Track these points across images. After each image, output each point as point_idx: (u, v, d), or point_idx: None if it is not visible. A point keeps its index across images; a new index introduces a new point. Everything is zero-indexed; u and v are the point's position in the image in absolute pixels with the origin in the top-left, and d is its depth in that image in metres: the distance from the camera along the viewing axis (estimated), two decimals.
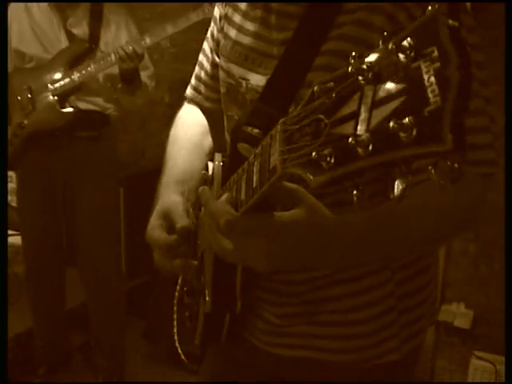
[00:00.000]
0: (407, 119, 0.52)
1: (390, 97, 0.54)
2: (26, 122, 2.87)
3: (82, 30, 2.87)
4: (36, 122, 2.87)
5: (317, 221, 0.85)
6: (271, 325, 1.22)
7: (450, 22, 0.52)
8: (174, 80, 3.42)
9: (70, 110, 2.84)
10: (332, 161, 0.59)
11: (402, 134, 0.52)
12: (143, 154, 4.18)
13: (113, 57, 2.74)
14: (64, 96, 2.84)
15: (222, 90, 1.27)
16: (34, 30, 2.86)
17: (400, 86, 0.53)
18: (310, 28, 1.07)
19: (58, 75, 2.82)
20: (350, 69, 0.59)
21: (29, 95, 2.86)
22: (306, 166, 0.64)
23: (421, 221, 0.96)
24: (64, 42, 2.86)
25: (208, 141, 1.47)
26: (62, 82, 2.81)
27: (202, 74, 1.43)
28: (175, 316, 1.27)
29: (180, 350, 1.26)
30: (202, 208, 1.11)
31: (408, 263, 1.18)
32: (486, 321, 3.04)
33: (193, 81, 1.48)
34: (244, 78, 1.18)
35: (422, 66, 0.52)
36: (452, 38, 0.51)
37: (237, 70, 1.20)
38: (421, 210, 0.94)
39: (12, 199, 4.02)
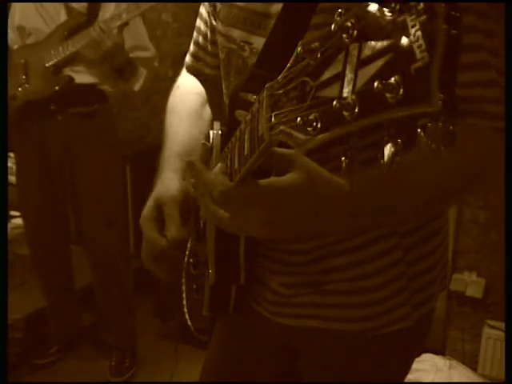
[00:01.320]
0: (393, 78, 0.48)
1: (376, 55, 0.51)
2: (17, 93, 2.85)
3: (81, 4, 2.84)
4: (27, 93, 2.85)
5: (314, 184, 0.83)
6: (279, 295, 1.21)
7: None
8: (177, 55, 3.39)
9: (61, 79, 2.81)
10: (318, 126, 0.57)
11: (388, 95, 0.49)
12: (148, 131, 4.16)
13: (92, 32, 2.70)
14: (58, 67, 2.81)
15: (221, 55, 1.24)
16: (35, 5, 2.85)
17: (385, 43, 0.50)
18: None
19: (53, 47, 2.79)
20: (333, 27, 0.56)
21: (24, 68, 2.85)
22: (292, 133, 0.62)
23: (423, 178, 0.91)
24: (63, 17, 2.84)
25: (207, 110, 1.44)
26: (56, 53, 2.79)
27: (200, 40, 1.39)
28: (184, 288, 1.26)
29: (189, 322, 1.25)
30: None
31: (416, 228, 1.15)
32: (498, 289, 3.02)
33: (191, 47, 1.44)
34: (246, 42, 1.14)
35: (408, 20, 0.48)
36: None
37: (238, 34, 1.15)
38: (421, 167, 0.88)
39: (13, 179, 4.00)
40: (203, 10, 1.35)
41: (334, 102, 0.54)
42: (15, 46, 2.93)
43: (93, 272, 3.20)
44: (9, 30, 2.95)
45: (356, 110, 0.52)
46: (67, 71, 2.83)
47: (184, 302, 1.26)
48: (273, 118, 0.67)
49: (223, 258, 1.12)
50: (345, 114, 0.53)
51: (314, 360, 1.27)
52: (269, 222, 0.85)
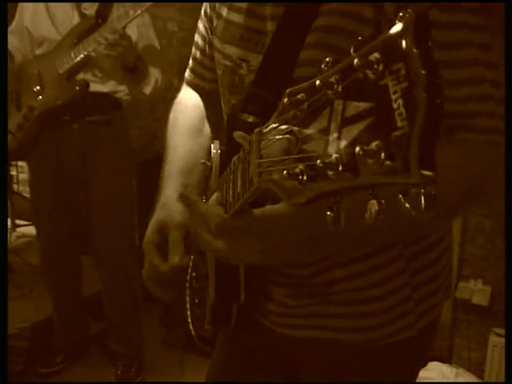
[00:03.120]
0: (374, 144, 0.48)
1: (359, 116, 0.51)
2: (35, 104, 2.86)
3: (94, 10, 2.83)
4: (45, 102, 2.85)
5: (302, 214, 0.85)
6: (283, 306, 1.21)
7: (419, 37, 0.47)
8: (182, 64, 3.39)
9: (76, 86, 2.81)
10: (304, 179, 0.57)
11: (369, 160, 0.48)
12: (154, 139, 4.16)
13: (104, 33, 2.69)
14: (71, 73, 2.81)
15: (218, 71, 1.24)
16: (48, 13, 2.85)
17: (368, 105, 0.50)
18: (301, 3, 1.03)
19: (65, 53, 2.79)
20: (317, 82, 0.56)
21: (39, 79, 2.85)
22: (279, 183, 0.63)
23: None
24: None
25: (207, 125, 1.44)
26: (68, 59, 2.78)
27: (198, 55, 1.39)
28: (187, 299, 1.27)
29: (194, 333, 1.25)
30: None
31: (419, 237, 1.15)
32: (504, 297, 3.01)
33: (190, 62, 1.45)
34: (243, 60, 1.14)
35: (390, 85, 0.47)
36: (422, 55, 0.47)
37: (234, 51, 1.16)
38: None
39: (23, 189, 4.03)
40: (201, 24, 1.35)
41: (318, 161, 0.54)
42: (30, 56, 2.94)
43: (102, 281, 3.21)
44: (17, 36, 2.96)
45: (340, 169, 0.52)
46: (81, 76, 2.84)
47: (188, 313, 1.26)
48: (261, 165, 0.68)
49: (223, 278, 1.13)
50: (328, 172, 0.53)
51: (319, 370, 1.26)
52: (265, 251, 0.88)
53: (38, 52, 2.92)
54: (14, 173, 4.50)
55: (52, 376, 3.22)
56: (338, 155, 0.52)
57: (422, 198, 0.48)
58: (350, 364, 1.22)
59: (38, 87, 2.85)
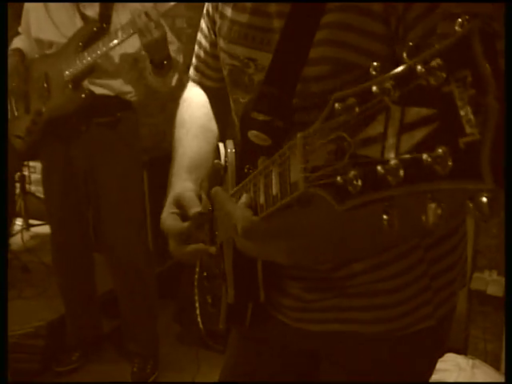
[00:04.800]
0: (440, 149, 0.48)
1: (420, 122, 0.51)
2: (43, 109, 2.87)
3: (94, 10, 2.82)
4: (52, 108, 2.86)
5: (336, 218, 0.84)
6: (300, 300, 1.21)
7: (488, 41, 0.47)
8: (191, 61, 3.38)
9: (82, 94, 2.80)
10: (359, 184, 0.57)
11: (436, 166, 0.49)
12: (164, 137, 4.17)
13: (119, 33, 2.64)
14: (77, 80, 2.80)
15: (225, 71, 1.24)
16: (50, 17, 2.85)
17: (430, 112, 0.50)
18: None
19: (71, 59, 2.78)
20: (374, 89, 0.56)
21: (45, 82, 2.85)
22: (330, 188, 0.63)
23: None
24: (79, 25, 2.83)
25: (214, 122, 1.45)
26: (74, 66, 2.77)
27: (202, 53, 1.39)
28: (197, 298, 1.27)
29: (204, 332, 1.26)
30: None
31: None
32: None
33: (193, 60, 1.45)
34: (250, 59, 1.14)
35: (455, 92, 0.47)
36: (490, 62, 0.46)
37: (241, 51, 1.16)
38: None
39: (37, 189, 4.05)
40: (203, 24, 1.35)
41: (379, 167, 0.54)
42: (36, 56, 2.95)
43: (115, 279, 3.22)
44: (26, 40, 2.97)
45: (401, 175, 0.52)
46: (86, 84, 2.83)
47: (197, 312, 1.26)
48: (307, 170, 0.68)
49: (242, 278, 1.14)
50: (389, 178, 0.53)
51: (338, 363, 1.26)
52: (291, 252, 0.88)
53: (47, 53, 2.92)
54: (26, 173, 4.53)
55: (68, 374, 3.24)
56: (397, 161, 0.52)
57: (490, 203, 0.48)
58: (371, 356, 1.22)
59: (46, 91, 2.86)
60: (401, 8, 0.92)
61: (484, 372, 2.81)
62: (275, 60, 1.06)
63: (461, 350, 3.04)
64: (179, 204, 1.21)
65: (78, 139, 2.92)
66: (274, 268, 1.17)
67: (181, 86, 3.59)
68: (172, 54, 2.81)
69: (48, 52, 2.90)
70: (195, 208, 1.16)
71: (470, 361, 2.85)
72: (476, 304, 3.13)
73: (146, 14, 2.51)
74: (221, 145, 1.22)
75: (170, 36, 2.92)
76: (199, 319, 1.26)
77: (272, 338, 1.32)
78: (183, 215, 1.20)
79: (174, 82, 2.87)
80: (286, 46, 1.05)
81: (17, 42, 3.01)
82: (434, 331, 1.21)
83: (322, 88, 1.02)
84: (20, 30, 3.03)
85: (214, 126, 1.43)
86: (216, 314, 1.19)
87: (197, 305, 1.27)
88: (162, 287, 3.36)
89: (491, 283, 3.02)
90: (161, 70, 2.77)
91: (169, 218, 1.21)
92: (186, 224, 1.17)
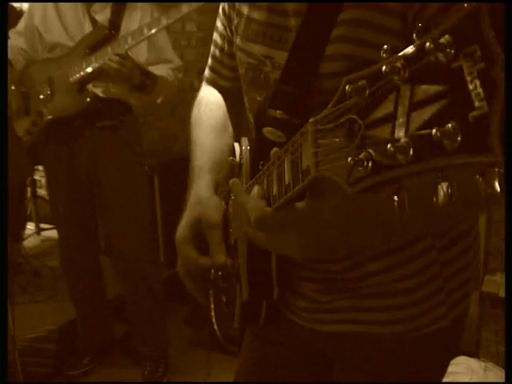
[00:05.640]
0: (450, 125, 0.48)
1: (430, 99, 0.51)
2: (44, 110, 2.88)
3: (105, 16, 2.84)
4: (54, 110, 2.87)
5: (346, 208, 0.86)
6: (313, 301, 1.21)
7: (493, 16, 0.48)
8: (202, 65, 3.39)
9: (87, 97, 2.82)
10: (370, 165, 0.57)
11: (445, 141, 0.49)
12: (175, 141, 4.18)
13: (129, 39, 2.67)
14: (82, 83, 2.81)
15: (241, 70, 1.24)
16: (60, 19, 2.86)
17: (440, 88, 0.50)
18: None
19: (77, 62, 2.80)
20: (383, 68, 0.56)
21: (48, 84, 2.87)
22: (340, 171, 0.63)
23: None
24: (88, 30, 2.85)
25: (230, 122, 1.44)
26: (80, 69, 2.79)
27: (217, 53, 1.39)
28: (212, 299, 1.27)
29: (219, 333, 1.26)
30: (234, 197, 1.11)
31: (449, 229, 1.15)
32: None
33: (209, 60, 1.45)
34: (268, 57, 1.14)
35: (464, 67, 0.48)
36: (497, 35, 0.47)
37: (258, 49, 1.16)
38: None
39: (47, 193, 4.06)
40: (219, 23, 1.35)
41: (389, 145, 0.54)
42: (40, 58, 2.95)
43: (123, 282, 3.22)
44: (27, 37, 2.97)
45: (411, 153, 0.52)
46: (90, 87, 2.84)
47: (212, 313, 1.26)
48: (318, 154, 0.68)
49: (256, 275, 1.13)
50: (399, 157, 0.53)
51: (352, 364, 1.26)
52: (304, 245, 0.88)
53: (49, 56, 2.93)
54: (37, 177, 4.54)
55: (79, 378, 3.24)
56: (407, 139, 0.53)
57: (499, 177, 0.49)
58: (384, 356, 1.21)
59: (48, 92, 2.87)
60: (418, 4, 0.92)
61: (496, 375, 2.80)
62: (291, 58, 1.07)
63: (473, 353, 3.02)
64: (198, 230, 1.21)
65: (80, 143, 2.94)
66: (288, 268, 1.17)
67: (190, 90, 3.62)
68: (167, 72, 2.90)
69: (50, 56, 2.91)
70: (221, 255, 1.15)
71: (483, 364, 2.84)
72: (488, 307, 3.11)
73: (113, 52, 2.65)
74: (235, 144, 1.22)
75: (171, 55, 2.99)
76: (214, 320, 1.26)
77: (285, 339, 1.32)
78: (200, 242, 1.20)
79: (160, 99, 2.95)
80: (302, 44, 1.05)
81: (16, 40, 3.00)
82: (448, 332, 1.20)
83: (336, 85, 1.02)
84: (18, 29, 3.01)
85: (230, 126, 1.43)
86: (230, 314, 1.19)
87: (212, 306, 1.27)
88: (173, 291, 3.35)
89: (503, 286, 3.01)
90: (142, 89, 2.83)
91: (185, 245, 1.22)
92: (205, 262, 1.18)
